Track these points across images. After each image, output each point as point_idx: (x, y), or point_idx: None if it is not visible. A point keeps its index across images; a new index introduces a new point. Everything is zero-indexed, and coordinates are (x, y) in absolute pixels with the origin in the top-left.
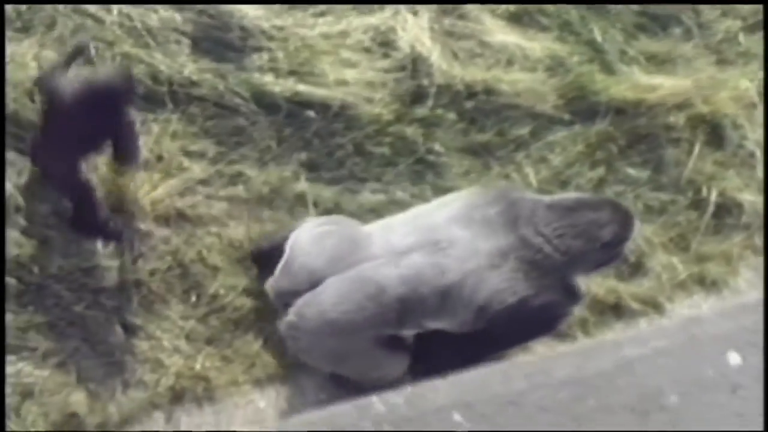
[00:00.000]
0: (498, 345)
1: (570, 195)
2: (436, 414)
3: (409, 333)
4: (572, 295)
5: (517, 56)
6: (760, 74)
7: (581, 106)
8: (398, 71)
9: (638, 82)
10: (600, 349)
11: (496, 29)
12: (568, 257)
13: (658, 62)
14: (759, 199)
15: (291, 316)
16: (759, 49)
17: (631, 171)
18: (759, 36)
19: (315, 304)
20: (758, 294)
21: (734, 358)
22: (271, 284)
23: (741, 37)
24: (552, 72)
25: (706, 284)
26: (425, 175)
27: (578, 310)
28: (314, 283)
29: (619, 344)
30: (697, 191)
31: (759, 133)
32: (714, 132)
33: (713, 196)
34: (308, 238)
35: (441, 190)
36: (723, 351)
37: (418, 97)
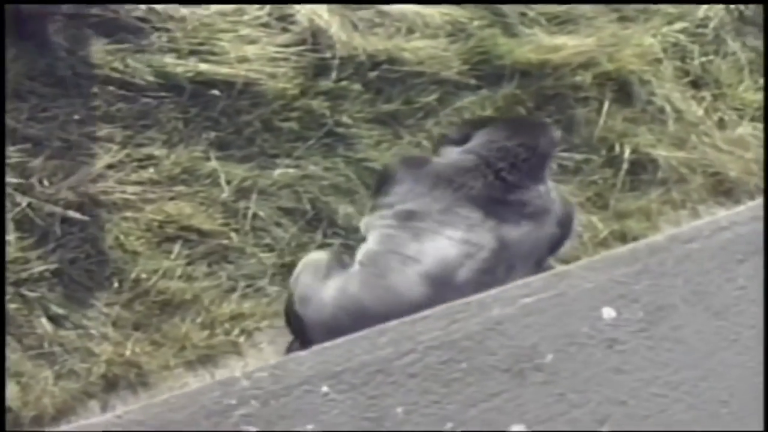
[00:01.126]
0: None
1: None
2: (303, 386)
3: None
4: (567, 204)
5: (417, 24)
6: (663, 29)
7: (486, 71)
8: (299, 45)
9: (541, 43)
10: (466, 310)
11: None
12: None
13: (559, 23)
14: (672, 154)
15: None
16: (659, 5)
17: None
18: None
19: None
20: (626, 246)
21: (608, 312)
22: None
23: None
24: (454, 38)
25: (628, 241)
26: (336, 148)
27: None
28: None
29: (485, 304)
30: (610, 149)
31: (666, 88)
32: (621, 89)
33: (627, 153)
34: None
35: (353, 162)
36: (596, 306)
37: (321, 69)
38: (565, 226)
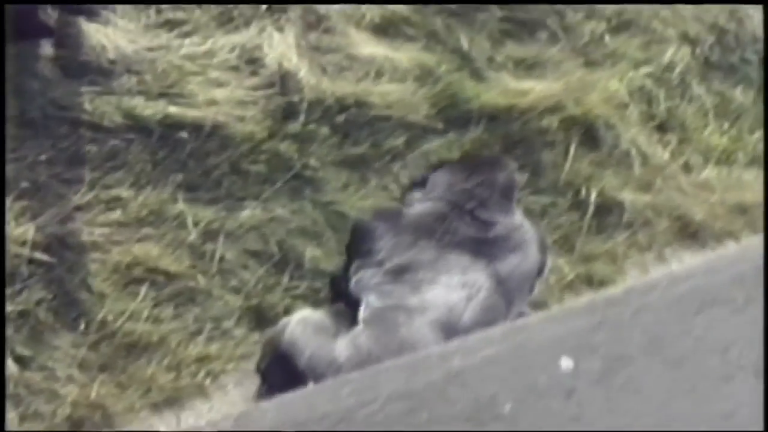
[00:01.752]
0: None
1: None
2: None
3: None
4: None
5: (385, 68)
6: (629, 74)
7: (453, 114)
8: (267, 88)
9: (508, 87)
10: (427, 361)
11: (362, 42)
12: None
13: (526, 67)
14: (638, 197)
15: None
16: (625, 48)
17: None
18: (624, 36)
19: None
20: (584, 299)
21: (566, 363)
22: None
23: (607, 39)
24: (421, 82)
25: (594, 284)
26: (303, 191)
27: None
28: None
29: (446, 356)
30: (576, 192)
31: (632, 132)
32: (588, 133)
33: (593, 197)
34: None
35: (320, 205)
36: (554, 356)
37: (289, 113)
38: (543, 248)
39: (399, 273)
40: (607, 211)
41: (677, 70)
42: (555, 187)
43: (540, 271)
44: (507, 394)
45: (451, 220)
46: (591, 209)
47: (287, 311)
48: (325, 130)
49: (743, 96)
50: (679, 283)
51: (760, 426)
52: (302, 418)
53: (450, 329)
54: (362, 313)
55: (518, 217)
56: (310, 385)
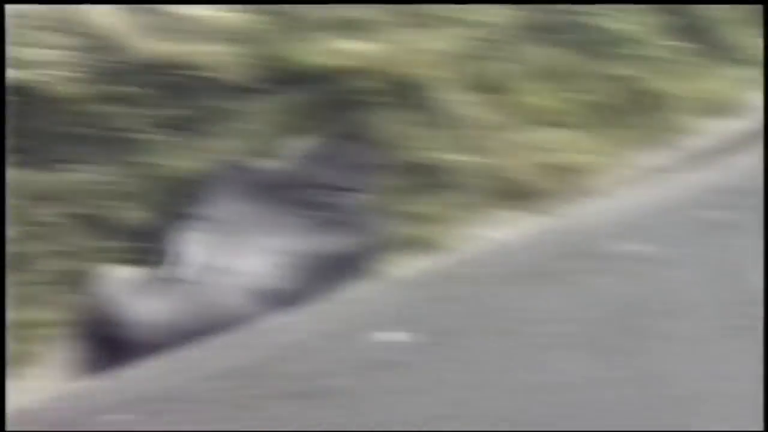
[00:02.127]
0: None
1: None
2: (94, 415)
3: None
4: (372, 214)
5: (213, 29)
6: (453, 35)
7: (279, 76)
8: (92, 50)
9: (333, 48)
10: (256, 336)
11: (188, 3)
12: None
13: (353, 28)
14: (462, 158)
15: None
16: (452, 12)
17: None
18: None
19: None
20: (414, 273)
21: (398, 336)
22: None
23: None
24: (247, 43)
25: (420, 245)
26: (129, 154)
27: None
28: None
29: (275, 330)
30: (398, 154)
31: (456, 94)
32: (412, 95)
33: (415, 158)
34: None
35: (147, 168)
36: (385, 329)
37: (113, 74)
38: (375, 233)
39: (222, 230)
40: (430, 172)
41: (501, 31)
42: (377, 150)
43: (368, 254)
44: (339, 368)
45: (296, 187)
46: (414, 171)
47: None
48: (151, 92)
49: (567, 58)
50: (505, 256)
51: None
52: (131, 396)
53: (261, 295)
54: (176, 270)
55: (360, 197)
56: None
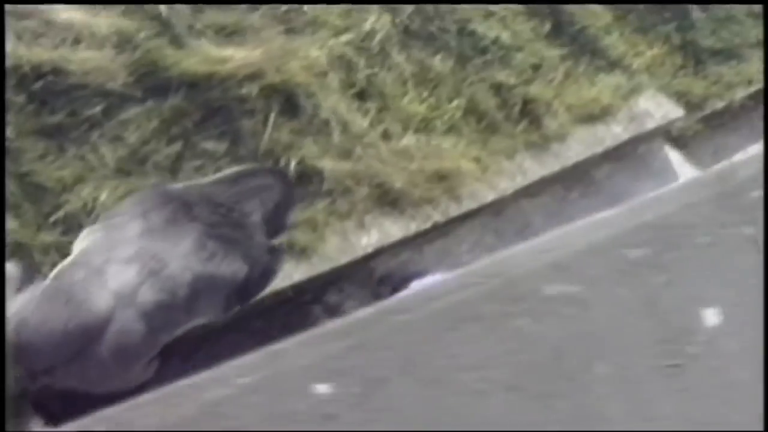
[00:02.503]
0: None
1: (226, 171)
2: None
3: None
4: (276, 253)
5: (83, 34)
6: (330, 42)
7: (153, 82)
8: None
9: (209, 54)
10: (182, 394)
11: (60, 7)
12: (253, 219)
13: (227, 34)
14: (338, 165)
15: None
16: (326, 16)
17: (208, 144)
18: (325, 4)
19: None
20: (340, 322)
21: (323, 388)
22: None
23: (306, 7)
24: (120, 49)
25: (296, 252)
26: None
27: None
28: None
29: (201, 386)
30: (276, 161)
31: (332, 100)
32: (288, 101)
33: (292, 165)
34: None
35: (17, 177)
36: (311, 382)
37: None
38: (265, 276)
39: (109, 232)
40: (307, 179)
41: (377, 38)
42: (255, 156)
43: (249, 291)
44: (265, 424)
45: (202, 207)
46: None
47: None
48: (21, 99)
49: (442, 64)
50: (433, 302)
51: None
52: None
53: (123, 299)
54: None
55: (266, 236)
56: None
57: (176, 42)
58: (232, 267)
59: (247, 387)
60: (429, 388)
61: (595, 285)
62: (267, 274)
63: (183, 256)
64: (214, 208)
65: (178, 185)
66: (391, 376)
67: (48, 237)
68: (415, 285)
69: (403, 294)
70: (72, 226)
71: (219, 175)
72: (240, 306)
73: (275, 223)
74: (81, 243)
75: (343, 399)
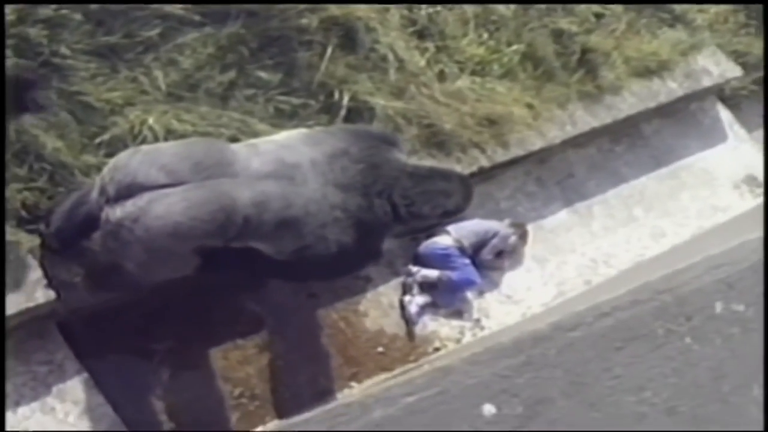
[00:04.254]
0: (298, 276)
1: (426, 164)
2: None
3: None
4: (377, 255)
5: None
6: None
7: (212, 8)
8: None
9: None
10: (347, 413)
11: None
12: (406, 224)
13: None
14: (390, 103)
15: (131, 207)
16: None
17: (263, 74)
18: None
19: (165, 203)
20: (512, 335)
21: (488, 409)
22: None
23: None
24: None
25: None
26: (50, 79)
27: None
28: (173, 182)
29: (367, 405)
30: (329, 95)
31: (391, 37)
32: (347, 35)
33: (345, 100)
34: (164, 148)
35: (66, 95)
36: (477, 403)
37: None
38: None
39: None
40: (358, 115)
41: None
42: (308, 89)
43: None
44: None
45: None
46: (342, 112)
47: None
48: (77, 17)
49: (505, 7)
50: (604, 318)
51: None
52: None
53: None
54: None
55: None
56: None
57: None
58: (342, 238)
59: (412, 407)
60: (591, 410)
61: (760, 303)
62: (355, 262)
63: (326, 202)
64: (389, 199)
65: (385, 154)
66: (555, 396)
67: (92, 158)
68: (452, 228)
69: (575, 309)
70: (117, 149)
71: (419, 165)
72: (308, 261)
73: (420, 227)
74: None
75: (507, 420)
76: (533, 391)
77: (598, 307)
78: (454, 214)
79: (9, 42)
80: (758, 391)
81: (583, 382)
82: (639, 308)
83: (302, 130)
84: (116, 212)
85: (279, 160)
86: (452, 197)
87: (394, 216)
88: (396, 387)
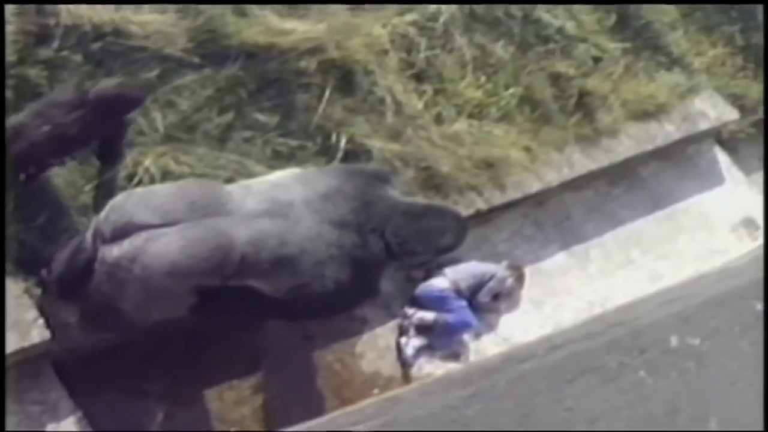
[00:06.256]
0: (295, 315)
1: (419, 201)
2: None
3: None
4: (374, 292)
5: None
6: (393, 20)
7: (212, 50)
8: (22, 12)
9: (270, 26)
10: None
11: None
12: (399, 260)
13: (291, 6)
14: (387, 146)
15: (128, 246)
16: None
17: (260, 116)
18: None
19: (162, 242)
20: (462, 369)
21: None
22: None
23: None
24: (183, 14)
25: None
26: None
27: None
28: (168, 222)
29: None
30: (326, 137)
31: (389, 80)
32: (345, 78)
33: (342, 142)
34: (159, 190)
35: None
36: None
37: (42, 38)
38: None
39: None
40: (356, 157)
41: (441, 19)
42: (306, 131)
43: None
44: None
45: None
46: (339, 155)
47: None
48: (77, 58)
49: (503, 50)
50: (556, 351)
51: None
52: None
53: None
54: None
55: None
56: None
57: (240, 11)
58: (338, 276)
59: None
60: None
61: (716, 337)
62: (351, 300)
63: (322, 240)
64: (382, 237)
65: (377, 191)
66: (506, 428)
67: (89, 200)
68: (449, 271)
69: (526, 341)
70: (112, 190)
71: (413, 201)
72: (304, 298)
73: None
74: None
75: None
76: (483, 423)
77: (550, 339)
78: (447, 251)
79: (9, 83)
80: (715, 424)
81: (533, 414)
82: (592, 341)
83: (294, 170)
84: (113, 252)
85: (273, 199)
86: (445, 235)
87: (387, 253)
88: (342, 417)
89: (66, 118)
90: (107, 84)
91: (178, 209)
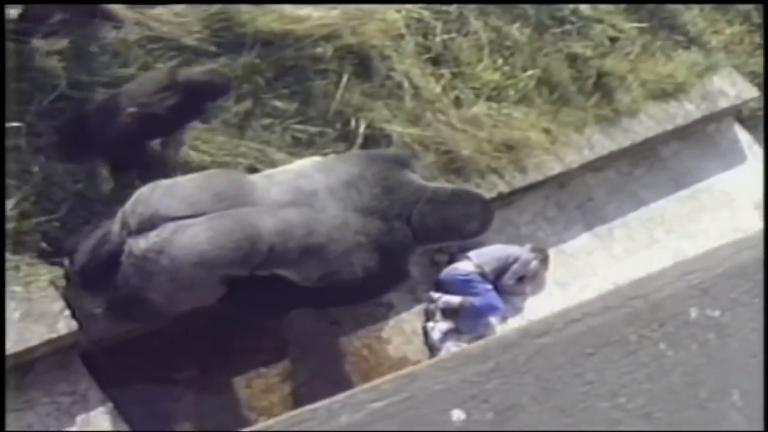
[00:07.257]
0: (325, 302)
1: (445, 186)
2: None
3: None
4: (404, 276)
5: None
6: (408, 5)
7: (228, 38)
8: None
9: (285, 13)
10: (313, 418)
11: None
12: (425, 245)
13: None
14: (407, 130)
15: (155, 238)
16: None
17: (279, 103)
18: None
19: (189, 233)
20: (481, 344)
21: (457, 415)
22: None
23: None
24: (196, 4)
25: None
26: (67, 112)
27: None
28: (194, 213)
29: (333, 411)
30: (345, 123)
31: (407, 64)
32: (362, 63)
33: (362, 128)
34: (184, 181)
35: None
36: (446, 408)
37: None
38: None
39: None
40: (375, 142)
41: (455, 3)
42: (324, 117)
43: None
44: None
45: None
46: (359, 140)
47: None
48: (94, 49)
49: (519, 33)
50: (574, 324)
51: None
52: None
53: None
54: None
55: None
56: None
57: None
58: (366, 263)
59: (379, 412)
60: (562, 416)
61: (736, 309)
62: (382, 285)
63: (349, 228)
64: (408, 222)
65: (400, 176)
66: (526, 402)
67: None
68: (473, 254)
69: (545, 315)
70: (129, 182)
71: (440, 188)
72: (334, 286)
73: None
74: None
75: (476, 426)
76: (503, 397)
77: (568, 314)
78: (473, 237)
79: (27, 75)
80: (738, 397)
81: (554, 388)
82: (610, 314)
83: (315, 158)
84: (140, 244)
85: (297, 188)
86: (472, 221)
87: (413, 238)
88: (362, 393)
89: (153, 98)
90: (194, 71)
91: (203, 200)
